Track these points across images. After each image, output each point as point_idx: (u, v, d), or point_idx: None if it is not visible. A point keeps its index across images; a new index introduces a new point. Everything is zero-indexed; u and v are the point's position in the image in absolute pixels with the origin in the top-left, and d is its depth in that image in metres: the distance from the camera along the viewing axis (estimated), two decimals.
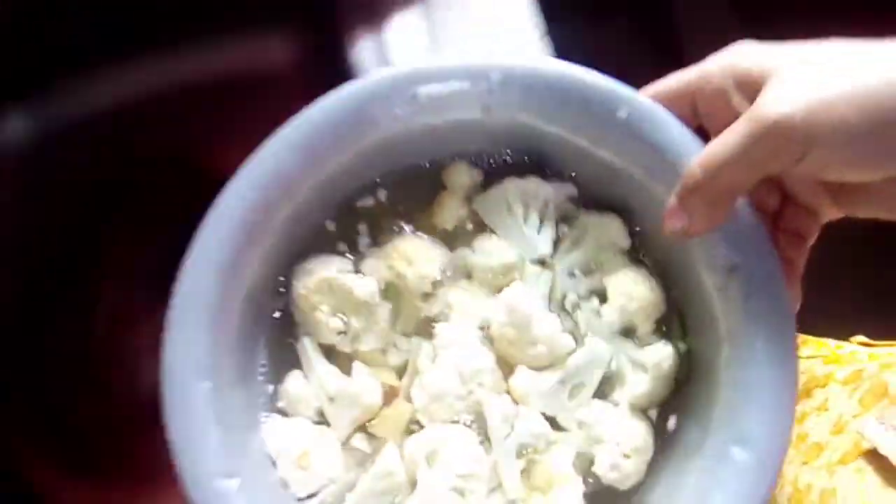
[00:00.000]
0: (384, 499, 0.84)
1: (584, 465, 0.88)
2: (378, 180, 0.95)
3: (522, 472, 0.86)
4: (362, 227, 0.96)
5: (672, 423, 0.90)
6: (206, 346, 0.79)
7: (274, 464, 0.85)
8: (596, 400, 0.90)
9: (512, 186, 0.92)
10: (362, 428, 0.89)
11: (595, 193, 0.94)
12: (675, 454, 0.87)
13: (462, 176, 0.96)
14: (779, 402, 0.76)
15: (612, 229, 0.95)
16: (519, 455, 0.86)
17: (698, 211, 0.63)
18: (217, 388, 0.79)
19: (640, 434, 0.87)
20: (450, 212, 0.96)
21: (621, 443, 0.86)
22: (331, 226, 0.95)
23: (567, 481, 0.84)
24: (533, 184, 0.93)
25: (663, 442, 0.89)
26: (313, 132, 0.83)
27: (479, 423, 0.88)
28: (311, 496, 0.85)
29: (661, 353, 0.89)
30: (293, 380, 0.90)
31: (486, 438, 0.87)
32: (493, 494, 0.85)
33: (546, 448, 0.86)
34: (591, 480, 0.87)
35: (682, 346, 0.92)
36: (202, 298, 0.79)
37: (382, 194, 0.96)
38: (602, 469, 0.86)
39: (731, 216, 0.66)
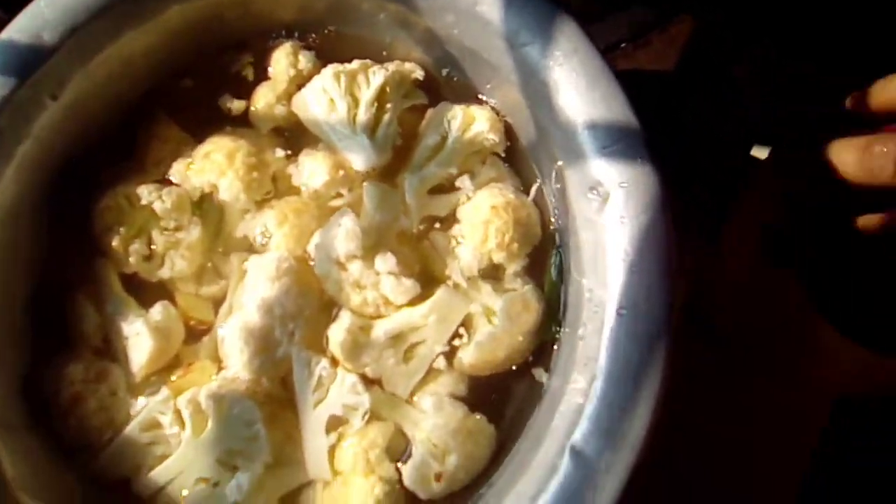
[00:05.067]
0: (149, 449, 0.70)
1: (401, 448, 0.67)
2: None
3: (330, 449, 0.66)
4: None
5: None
6: None
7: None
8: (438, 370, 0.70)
9: (330, 72, 0.67)
10: (159, 373, 0.70)
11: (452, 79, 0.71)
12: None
13: (283, 60, 0.71)
14: None
15: (478, 126, 0.69)
16: (329, 429, 0.66)
17: None
18: None
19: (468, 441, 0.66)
20: (266, 110, 0.73)
21: (439, 447, 0.66)
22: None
23: (375, 469, 0.64)
24: (360, 67, 0.67)
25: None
26: None
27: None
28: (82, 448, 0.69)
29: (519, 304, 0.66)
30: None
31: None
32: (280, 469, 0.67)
33: (361, 424, 0.65)
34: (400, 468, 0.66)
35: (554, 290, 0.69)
36: None
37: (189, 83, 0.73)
38: (407, 475, 0.66)
39: None
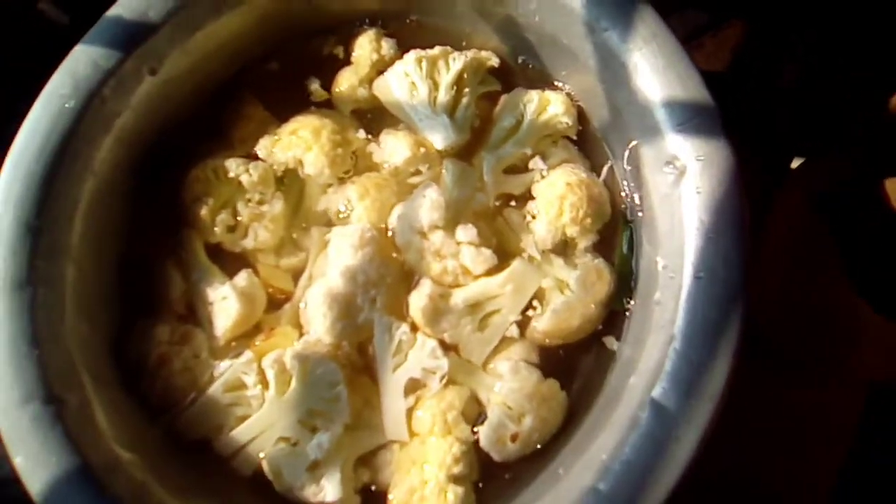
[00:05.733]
0: (230, 410, 0.72)
1: (475, 414, 0.71)
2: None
3: (408, 411, 0.69)
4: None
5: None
6: None
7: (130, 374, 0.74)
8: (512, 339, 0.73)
9: (412, 58, 0.72)
10: (241, 338, 0.73)
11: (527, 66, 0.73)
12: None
13: (367, 46, 0.76)
14: None
15: (553, 109, 0.73)
16: (408, 392, 0.69)
17: None
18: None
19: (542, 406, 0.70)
20: (349, 92, 0.78)
21: (514, 409, 0.69)
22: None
23: (452, 430, 0.67)
24: (441, 53, 0.72)
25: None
26: None
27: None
28: (165, 409, 0.72)
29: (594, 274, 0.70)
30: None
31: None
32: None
33: (439, 387, 0.68)
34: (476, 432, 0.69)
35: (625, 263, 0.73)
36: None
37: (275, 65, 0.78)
38: (484, 436, 0.70)
39: None
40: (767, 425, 0.87)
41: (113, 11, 0.72)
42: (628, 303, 0.73)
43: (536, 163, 0.77)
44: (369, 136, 0.80)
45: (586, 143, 0.78)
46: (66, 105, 0.71)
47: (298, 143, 0.76)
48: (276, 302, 0.77)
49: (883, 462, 0.92)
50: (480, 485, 0.71)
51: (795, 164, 0.95)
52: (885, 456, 0.92)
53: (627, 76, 0.69)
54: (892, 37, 0.90)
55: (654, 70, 0.68)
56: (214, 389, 0.72)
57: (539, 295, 0.74)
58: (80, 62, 0.72)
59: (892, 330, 0.83)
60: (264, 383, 0.72)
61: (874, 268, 0.88)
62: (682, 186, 0.65)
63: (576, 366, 0.74)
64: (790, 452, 0.89)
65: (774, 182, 0.88)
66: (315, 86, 0.81)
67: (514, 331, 0.73)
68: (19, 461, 0.62)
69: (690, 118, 0.65)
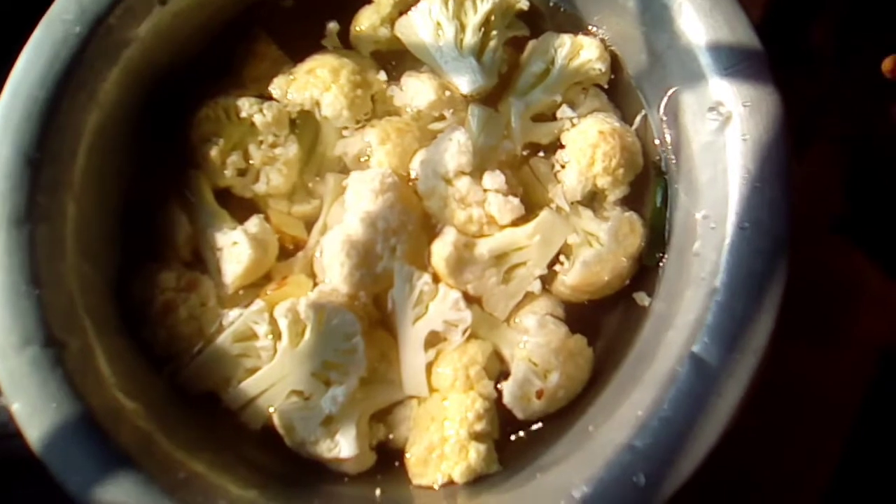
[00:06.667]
0: (239, 361, 0.68)
1: (496, 371, 0.68)
2: None
3: (427, 366, 0.66)
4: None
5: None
6: None
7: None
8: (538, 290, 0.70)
9: None
10: (250, 287, 0.69)
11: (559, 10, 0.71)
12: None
13: None
14: None
15: (586, 54, 0.70)
16: (428, 346, 0.65)
17: None
18: None
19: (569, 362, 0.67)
20: (370, 31, 0.74)
21: (540, 365, 0.66)
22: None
23: (474, 386, 0.64)
24: None
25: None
26: None
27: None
28: (170, 359, 0.69)
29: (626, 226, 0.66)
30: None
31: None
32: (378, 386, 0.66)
33: (461, 341, 0.64)
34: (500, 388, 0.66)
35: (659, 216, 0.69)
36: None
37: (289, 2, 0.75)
38: (508, 391, 0.67)
39: None
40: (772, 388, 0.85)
41: None
42: (661, 257, 0.70)
43: (565, 111, 0.73)
44: (389, 80, 0.75)
45: (618, 91, 0.75)
46: (71, 31, 0.66)
47: (316, 83, 0.72)
48: (287, 251, 0.74)
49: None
50: (502, 443, 0.68)
51: None
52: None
53: (670, 18, 0.66)
54: None
55: (700, 11, 0.64)
56: (223, 339, 0.69)
57: (565, 250, 0.71)
58: None
59: None
60: (276, 334, 0.68)
61: (889, 234, 0.87)
62: (726, 134, 0.63)
63: (602, 322, 0.71)
64: (792, 416, 0.87)
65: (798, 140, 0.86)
66: (331, 26, 0.76)
67: (536, 286, 0.70)
68: (17, 407, 0.59)
69: (737, 62, 0.62)
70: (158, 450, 0.62)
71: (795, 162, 0.61)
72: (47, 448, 0.58)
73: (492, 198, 0.69)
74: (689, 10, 0.65)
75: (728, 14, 0.64)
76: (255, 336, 0.69)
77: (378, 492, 0.67)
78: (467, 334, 0.68)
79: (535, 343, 0.67)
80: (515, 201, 0.69)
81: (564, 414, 0.68)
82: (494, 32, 0.73)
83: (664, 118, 0.70)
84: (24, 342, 0.59)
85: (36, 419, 0.58)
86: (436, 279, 0.69)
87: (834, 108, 0.92)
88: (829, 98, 0.91)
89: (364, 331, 0.68)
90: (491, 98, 0.74)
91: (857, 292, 0.87)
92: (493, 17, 0.73)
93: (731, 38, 0.63)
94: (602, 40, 0.74)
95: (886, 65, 0.85)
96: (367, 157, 0.72)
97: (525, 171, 0.73)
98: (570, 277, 0.69)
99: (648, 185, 0.72)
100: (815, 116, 0.92)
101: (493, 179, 0.68)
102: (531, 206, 0.71)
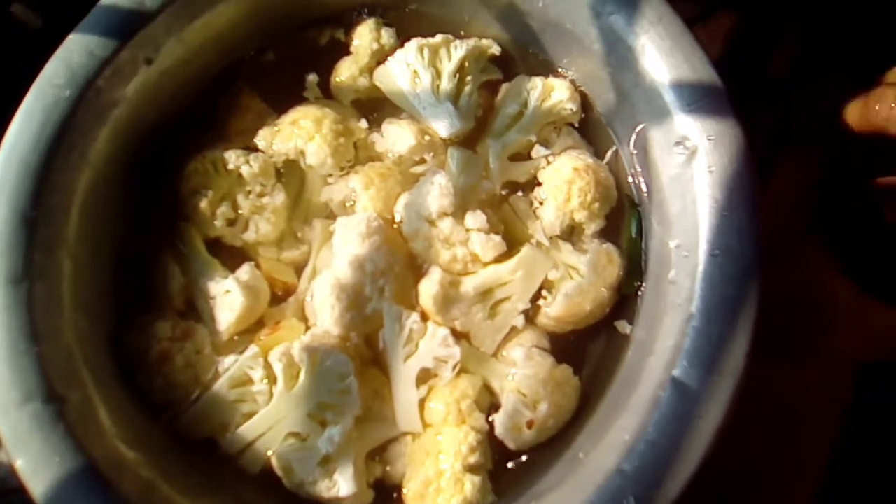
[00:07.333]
0: (236, 406, 0.70)
1: (487, 404, 0.71)
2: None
3: (420, 402, 0.68)
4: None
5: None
6: None
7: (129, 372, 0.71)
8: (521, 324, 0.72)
9: (414, 46, 0.71)
10: (244, 333, 0.71)
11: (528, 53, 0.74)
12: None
13: (366, 35, 0.75)
14: None
15: (557, 95, 0.73)
16: (419, 383, 0.67)
17: None
18: None
19: (556, 392, 0.69)
20: (349, 82, 0.77)
21: (529, 396, 0.69)
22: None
23: (466, 419, 0.66)
24: (442, 41, 0.71)
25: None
26: None
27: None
28: (167, 407, 0.70)
29: (604, 258, 0.69)
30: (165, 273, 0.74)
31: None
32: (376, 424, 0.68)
33: (451, 376, 0.67)
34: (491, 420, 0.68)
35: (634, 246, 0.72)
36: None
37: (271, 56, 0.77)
38: (500, 423, 0.69)
39: None
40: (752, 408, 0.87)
41: (107, 0, 0.70)
42: (639, 286, 0.72)
43: (539, 150, 0.77)
44: (370, 127, 0.78)
45: (589, 128, 0.78)
46: (61, 95, 0.68)
47: (300, 133, 0.75)
48: (278, 297, 0.76)
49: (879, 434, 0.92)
50: (496, 474, 0.70)
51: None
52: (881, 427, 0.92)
53: (634, 59, 0.69)
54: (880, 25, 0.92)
55: (662, 52, 0.68)
56: (219, 386, 0.70)
57: (547, 283, 0.73)
58: (75, 51, 0.70)
59: (873, 309, 0.84)
60: (271, 378, 0.70)
61: (861, 247, 0.89)
62: (693, 166, 0.66)
63: (587, 351, 0.74)
64: (775, 436, 0.89)
65: (762, 171, 0.89)
66: (311, 78, 0.79)
67: (520, 321, 0.72)
68: (21, 463, 0.60)
69: (699, 98, 0.66)
70: (160, 496, 0.63)
71: (759, 189, 0.64)
72: (52, 502, 0.59)
73: (474, 236, 0.71)
74: (652, 50, 0.68)
75: (688, 53, 0.67)
76: (250, 381, 0.70)
77: None
78: (457, 369, 0.70)
79: (523, 375, 0.70)
80: (497, 238, 0.71)
81: (555, 442, 0.70)
82: (469, 77, 0.77)
83: (634, 152, 0.74)
84: (25, 398, 0.61)
85: (40, 474, 0.59)
86: (424, 317, 0.71)
87: (798, 132, 0.95)
88: (792, 124, 0.94)
89: (357, 370, 0.70)
90: (469, 140, 0.77)
91: (831, 307, 0.90)
92: (467, 63, 0.77)
93: (693, 76, 0.67)
94: (572, 81, 0.78)
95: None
96: (352, 203, 0.75)
97: (505, 209, 0.75)
98: (554, 309, 0.71)
99: (623, 217, 0.75)
100: (779, 143, 0.95)
101: (475, 219, 0.71)
102: (512, 243, 0.74)
